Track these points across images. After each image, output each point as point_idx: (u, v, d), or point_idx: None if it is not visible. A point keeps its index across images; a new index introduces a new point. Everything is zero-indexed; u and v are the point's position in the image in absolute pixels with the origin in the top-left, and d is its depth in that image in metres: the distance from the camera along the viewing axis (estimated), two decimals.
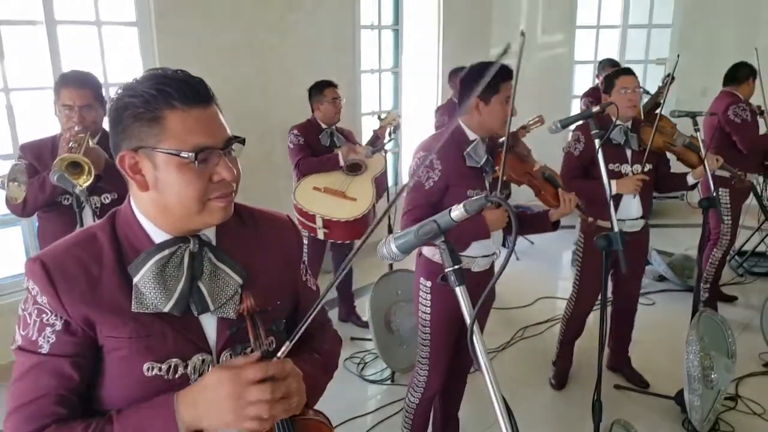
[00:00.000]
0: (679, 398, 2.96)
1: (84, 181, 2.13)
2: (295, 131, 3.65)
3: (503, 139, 2.12)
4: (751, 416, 2.99)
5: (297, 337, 0.94)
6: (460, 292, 0.91)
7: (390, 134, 4.00)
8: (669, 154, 3.13)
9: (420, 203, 2.15)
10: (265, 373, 0.93)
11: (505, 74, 2.14)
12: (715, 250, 3.99)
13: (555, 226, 2.35)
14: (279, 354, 0.95)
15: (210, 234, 1.09)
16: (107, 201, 2.38)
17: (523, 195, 2.70)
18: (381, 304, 3.40)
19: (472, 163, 2.17)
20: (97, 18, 3.68)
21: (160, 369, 1.00)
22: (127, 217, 1.06)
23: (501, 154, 2.11)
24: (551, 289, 4.61)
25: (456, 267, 0.91)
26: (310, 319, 0.93)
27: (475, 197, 0.90)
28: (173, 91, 0.96)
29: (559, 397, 3.24)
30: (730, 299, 4.25)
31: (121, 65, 3.91)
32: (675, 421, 2.95)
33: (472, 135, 2.21)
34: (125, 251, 1.02)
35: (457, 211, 0.90)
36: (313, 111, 3.71)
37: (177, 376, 1.02)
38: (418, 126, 5.86)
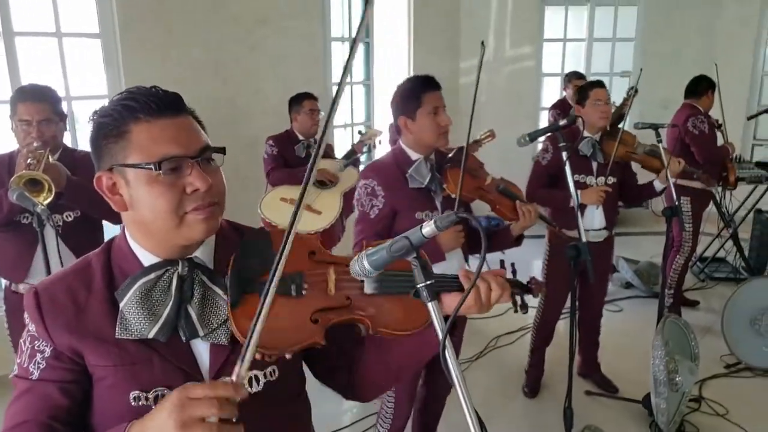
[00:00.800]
0: (646, 402, 3.04)
1: (44, 199, 2.04)
2: (271, 141, 3.68)
3: (451, 155, 2.12)
4: (714, 417, 3.07)
5: (248, 359, 0.83)
6: (432, 307, 0.93)
7: (368, 150, 4.04)
8: (634, 166, 3.22)
9: (368, 234, 2.05)
10: (214, 392, 0.80)
11: (426, 85, 2.05)
12: (678, 256, 4.11)
13: (518, 241, 2.27)
14: (233, 376, 0.83)
15: (207, 255, 1.05)
16: (70, 219, 2.32)
17: (482, 210, 2.67)
18: None
19: (415, 185, 2.07)
20: (57, 29, 3.61)
21: (146, 398, 0.97)
22: (120, 242, 1.05)
23: (448, 172, 2.08)
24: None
25: (428, 283, 0.93)
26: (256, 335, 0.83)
27: (446, 213, 0.92)
28: (137, 104, 0.95)
29: (532, 405, 3.28)
30: (693, 304, 4.37)
31: (84, 78, 3.85)
32: (643, 424, 3.02)
33: (414, 155, 2.12)
34: (116, 277, 1.01)
35: (429, 228, 0.91)
36: (291, 122, 3.75)
37: None
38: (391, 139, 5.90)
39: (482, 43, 2.24)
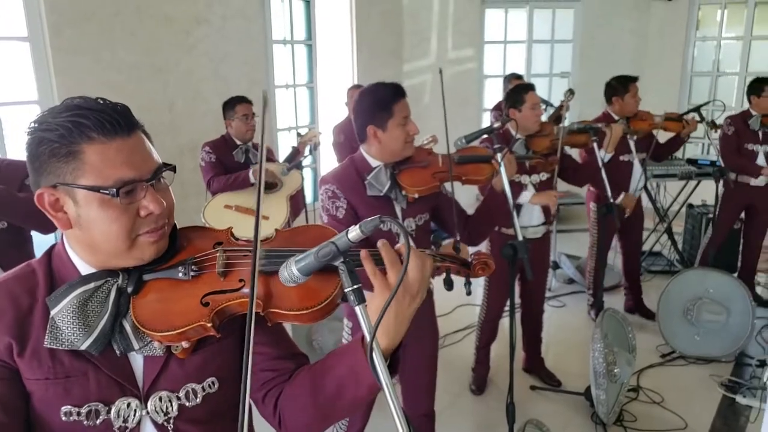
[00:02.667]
0: (587, 394, 3.13)
1: None
2: (207, 148, 3.53)
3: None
4: (651, 405, 3.20)
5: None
6: (360, 311, 0.93)
7: (310, 151, 3.99)
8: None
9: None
10: None
11: (396, 94, 2.01)
12: (589, 260, 4.22)
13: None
14: None
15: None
16: None
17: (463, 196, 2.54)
18: None
19: (374, 192, 2.04)
20: None
21: (79, 414, 0.94)
22: (59, 251, 1.01)
23: (399, 177, 2.06)
24: (469, 297, 4.73)
25: (356, 287, 0.93)
26: None
27: (370, 218, 0.92)
28: (90, 122, 0.90)
29: (478, 402, 3.33)
30: (651, 316, 4.45)
31: (13, 83, 3.69)
32: (585, 416, 3.12)
33: (374, 162, 2.08)
34: (57, 286, 0.97)
35: (354, 232, 0.91)
36: (226, 127, 3.65)
37: (99, 421, 0.95)
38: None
39: (440, 70, 2.24)
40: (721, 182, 4.07)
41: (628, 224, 4.04)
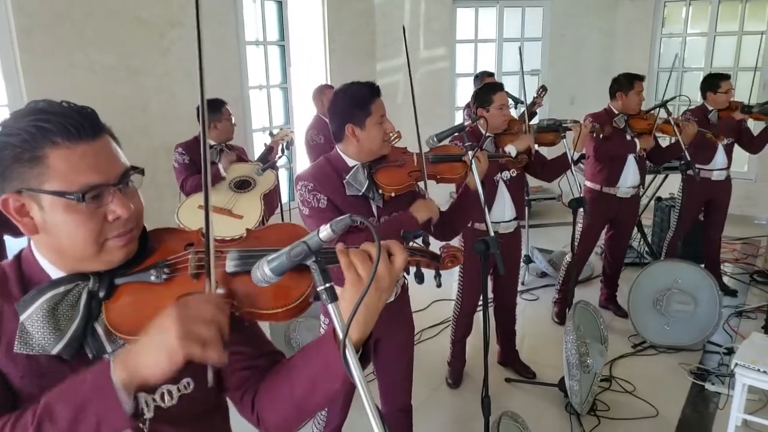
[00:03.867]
0: (561, 385, 3.20)
1: None
2: (180, 149, 3.53)
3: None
4: (623, 394, 3.28)
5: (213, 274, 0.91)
6: (332, 309, 0.94)
7: (282, 150, 4.00)
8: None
9: (327, 221, 1.96)
10: (210, 300, 0.89)
11: (372, 93, 2.03)
12: (568, 255, 4.28)
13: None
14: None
15: None
16: None
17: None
18: None
19: (352, 191, 2.05)
20: None
21: None
22: (28, 255, 1.00)
23: (375, 176, 2.08)
24: (445, 291, 4.79)
25: (327, 286, 0.94)
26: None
27: (340, 218, 0.94)
28: (53, 126, 0.89)
29: (455, 396, 3.39)
30: (624, 315, 4.52)
31: None
32: (559, 406, 3.19)
33: (351, 161, 2.09)
34: (29, 288, 0.96)
35: (325, 232, 0.93)
36: (211, 130, 3.65)
37: None
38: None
39: (408, 61, 2.25)
40: (685, 176, 4.17)
41: (617, 221, 4.07)
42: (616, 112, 3.85)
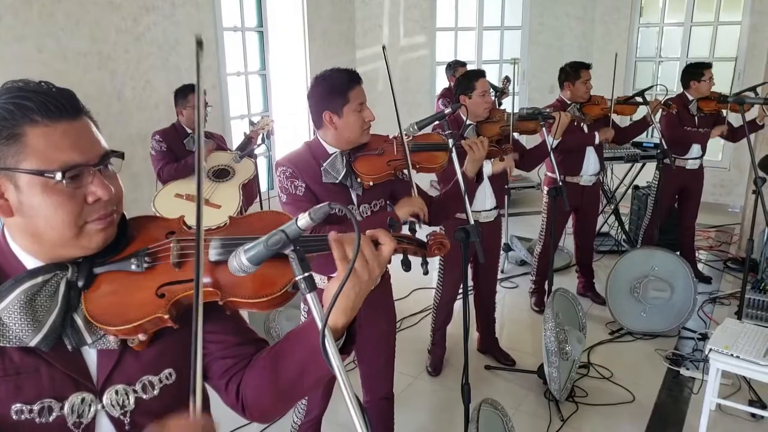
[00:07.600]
0: (540, 372, 3.24)
1: None
2: (157, 137, 3.50)
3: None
4: (601, 380, 3.33)
5: (199, 392, 0.87)
6: (311, 299, 0.93)
7: (263, 139, 3.96)
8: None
9: (304, 209, 1.96)
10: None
11: (351, 80, 2.01)
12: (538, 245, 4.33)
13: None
14: (191, 416, 0.88)
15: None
16: None
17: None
18: None
19: (329, 179, 2.04)
20: None
21: (31, 411, 0.91)
22: (0, 243, 0.96)
23: (355, 164, 2.05)
24: (426, 280, 4.80)
25: (306, 275, 0.93)
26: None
27: (319, 206, 0.92)
28: (33, 104, 0.86)
29: (435, 383, 3.40)
30: (602, 303, 4.56)
31: None
32: (538, 393, 3.22)
33: (330, 149, 2.08)
34: (2, 279, 0.92)
35: (303, 220, 0.92)
36: (177, 115, 3.59)
37: (52, 418, 0.92)
38: (291, 128, 5.85)
39: (383, 47, 2.24)
40: (661, 164, 4.23)
41: (582, 209, 4.12)
42: (568, 102, 3.89)
